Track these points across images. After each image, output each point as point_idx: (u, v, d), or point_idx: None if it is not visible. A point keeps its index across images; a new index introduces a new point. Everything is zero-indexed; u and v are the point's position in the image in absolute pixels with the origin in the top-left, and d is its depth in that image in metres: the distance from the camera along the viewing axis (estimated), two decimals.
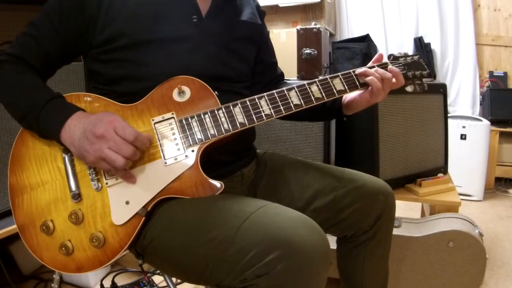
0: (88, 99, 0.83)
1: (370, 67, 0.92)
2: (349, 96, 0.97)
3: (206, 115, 0.81)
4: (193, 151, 0.79)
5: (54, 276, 1.40)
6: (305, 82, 0.88)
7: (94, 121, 0.74)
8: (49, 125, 0.77)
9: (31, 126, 0.79)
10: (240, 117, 0.82)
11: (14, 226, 0.79)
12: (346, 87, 0.90)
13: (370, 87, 0.91)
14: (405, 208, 2.42)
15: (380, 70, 0.91)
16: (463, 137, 2.58)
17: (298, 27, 2.54)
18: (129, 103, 0.83)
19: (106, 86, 0.87)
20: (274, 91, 0.85)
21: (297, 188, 0.97)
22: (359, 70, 0.91)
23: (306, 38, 2.51)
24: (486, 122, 2.60)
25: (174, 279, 1.28)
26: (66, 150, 0.79)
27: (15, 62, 0.82)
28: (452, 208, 1.50)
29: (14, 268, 1.63)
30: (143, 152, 0.77)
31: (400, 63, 0.97)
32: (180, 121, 0.81)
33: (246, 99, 0.83)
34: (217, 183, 0.78)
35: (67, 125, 0.76)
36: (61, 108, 0.79)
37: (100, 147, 0.72)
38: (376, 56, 0.96)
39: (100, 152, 0.72)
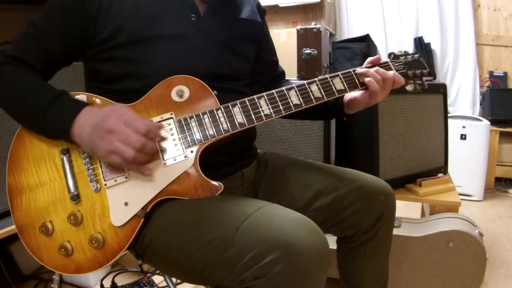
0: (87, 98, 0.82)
1: (371, 67, 0.91)
2: (350, 95, 0.96)
3: (205, 115, 0.81)
4: (192, 151, 0.79)
5: (54, 276, 1.40)
6: (304, 81, 0.87)
7: (103, 116, 0.73)
8: (59, 123, 0.76)
9: (36, 126, 0.79)
10: (239, 117, 0.81)
11: (14, 226, 0.79)
12: (346, 86, 0.89)
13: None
14: (405, 208, 2.42)
15: (381, 70, 0.90)
16: (463, 137, 2.57)
17: (298, 27, 2.54)
18: (131, 101, 0.82)
19: (107, 85, 0.86)
20: (273, 90, 0.85)
21: (298, 188, 0.97)
22: (359, 70, 0.90)
23: (306, 38, 2.51)
24: (486, 122, 2.59)
25: (174, 279, 1.28)
26: (64, 151, 0.79)
27: (15, 64, 0.81)
28: (452, 208, 1.50)
29: (14, 268, 1.63)
30: (157, 143, 0.76)
31: (401, 61, 0.96)
32: (179, 121, 0.80)
33: (246, 99, 0.83)
34: (216, 184, 0.78)
35: (77, 121, 0.75)
36: (69, 104, 0.78)
37: (110, 141, 0.71)
38: (373, 58, 0.94)
39: (110, 146, 0.71)
